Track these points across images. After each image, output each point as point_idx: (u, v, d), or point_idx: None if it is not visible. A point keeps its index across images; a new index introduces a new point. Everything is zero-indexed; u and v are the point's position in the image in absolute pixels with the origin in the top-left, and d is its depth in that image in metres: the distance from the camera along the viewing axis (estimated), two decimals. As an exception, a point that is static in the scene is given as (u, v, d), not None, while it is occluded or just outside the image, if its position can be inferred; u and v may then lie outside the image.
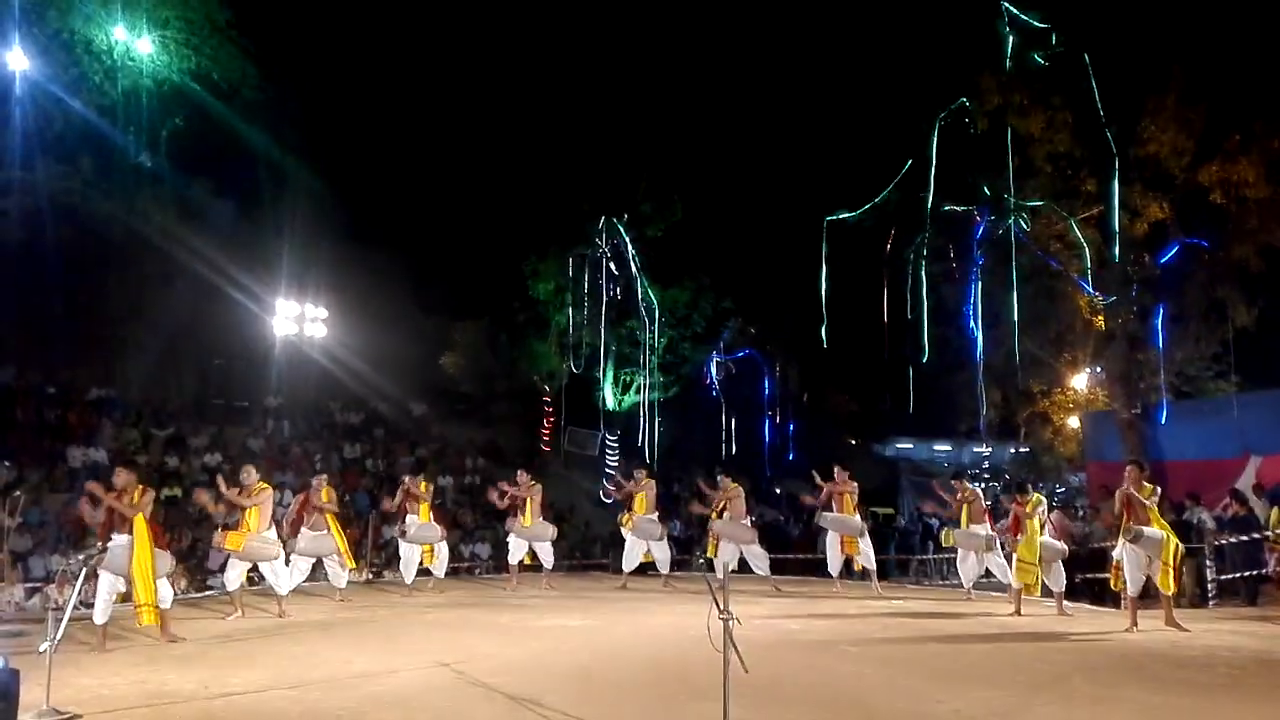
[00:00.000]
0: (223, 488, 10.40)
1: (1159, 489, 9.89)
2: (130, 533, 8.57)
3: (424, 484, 12.72)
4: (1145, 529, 9.37)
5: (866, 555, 12.68)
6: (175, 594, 9.44)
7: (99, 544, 8.60)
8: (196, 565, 15.76)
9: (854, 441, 36.53)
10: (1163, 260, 17.95)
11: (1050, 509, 11.89)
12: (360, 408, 26.47)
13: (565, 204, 27.01)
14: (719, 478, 13.29)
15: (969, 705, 6.09)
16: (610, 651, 8.18)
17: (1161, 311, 18.05)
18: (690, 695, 6.25)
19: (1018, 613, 10.57)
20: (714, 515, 12.95)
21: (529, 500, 13.04)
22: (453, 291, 29.37)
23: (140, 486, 8.86)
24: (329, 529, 11.40)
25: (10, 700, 4.85)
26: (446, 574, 13.16)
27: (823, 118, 27.87)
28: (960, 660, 7.90)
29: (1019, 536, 10.69)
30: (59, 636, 6.22)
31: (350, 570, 11.71)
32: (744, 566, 13.06)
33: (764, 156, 29.37)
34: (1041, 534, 10.59)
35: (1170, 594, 9.42)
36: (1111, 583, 10.21)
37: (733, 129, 29.57)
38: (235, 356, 25.82)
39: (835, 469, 12.92)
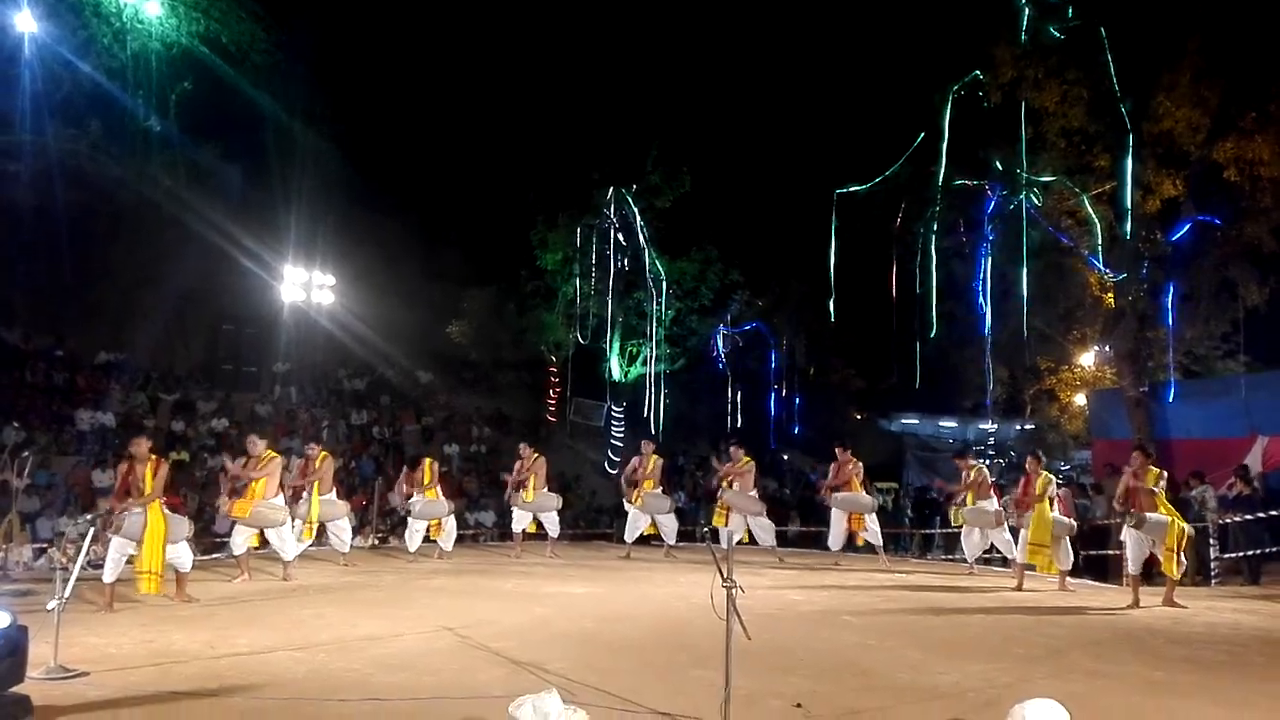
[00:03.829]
0: (228, 465, 10.50)
1: (1165, 473, 9.89)
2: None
3: (429, 468, 12.72)
4: (1149, 515, 9.38)
5: (873, 531, 12.72)
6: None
7: (107, 508, 8.70)
8: (203, 529, 15.86)
9: (859, 416, 36.52)
10: (1174, 238, 17.79)
11: (1058, 486, 11.86)
12: (367, 374, 26.55)
13: (574, 173, 26.90)
14: (732, 449, 13.34)
15: (968, 677, 6.12)
16: (613, 619, 8.23)
17: (1172, 289, 17.94)
18: (692, 662, 6.30)
19: (1020, 588, 10.60)
20: (725, 485, 13.02)
21: (532, 475, 13.11)
22: (460, 260, 29.35)
23: (155, 458, 8.92)
24: (333, 494, 11.50)
25: (19, 655, 4.89)
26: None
27: (834, 89, 27.65)
28: (961, 633, 7.94)
29: (1027, 513, 10.67)
30: (67, 595, 6.28)
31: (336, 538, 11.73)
32: (747, 539, 13.14)
33: (774, 128, 29.23)
34: (1051, 510, 10.60)
35: (1174, 578, 9.45)
36: (1122, 563, 10.25)
37: (744, 100, 29.39)
38: (244, 322, 25.88)
39: (836, 450, 12.98)
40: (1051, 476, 11.00)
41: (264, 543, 10.81)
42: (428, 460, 12.92)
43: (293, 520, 10.76)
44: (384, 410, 25.15)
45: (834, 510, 12.76)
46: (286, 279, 24.87)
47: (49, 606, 6.15)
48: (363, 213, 27.70)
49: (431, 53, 28.77)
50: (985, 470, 12.13)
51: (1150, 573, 10.09)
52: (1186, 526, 9.59)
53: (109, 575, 8.50)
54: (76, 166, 22.22)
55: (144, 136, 24.03)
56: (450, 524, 12.83)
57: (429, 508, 12.49)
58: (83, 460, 17.96)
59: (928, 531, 19.31)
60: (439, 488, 12.73)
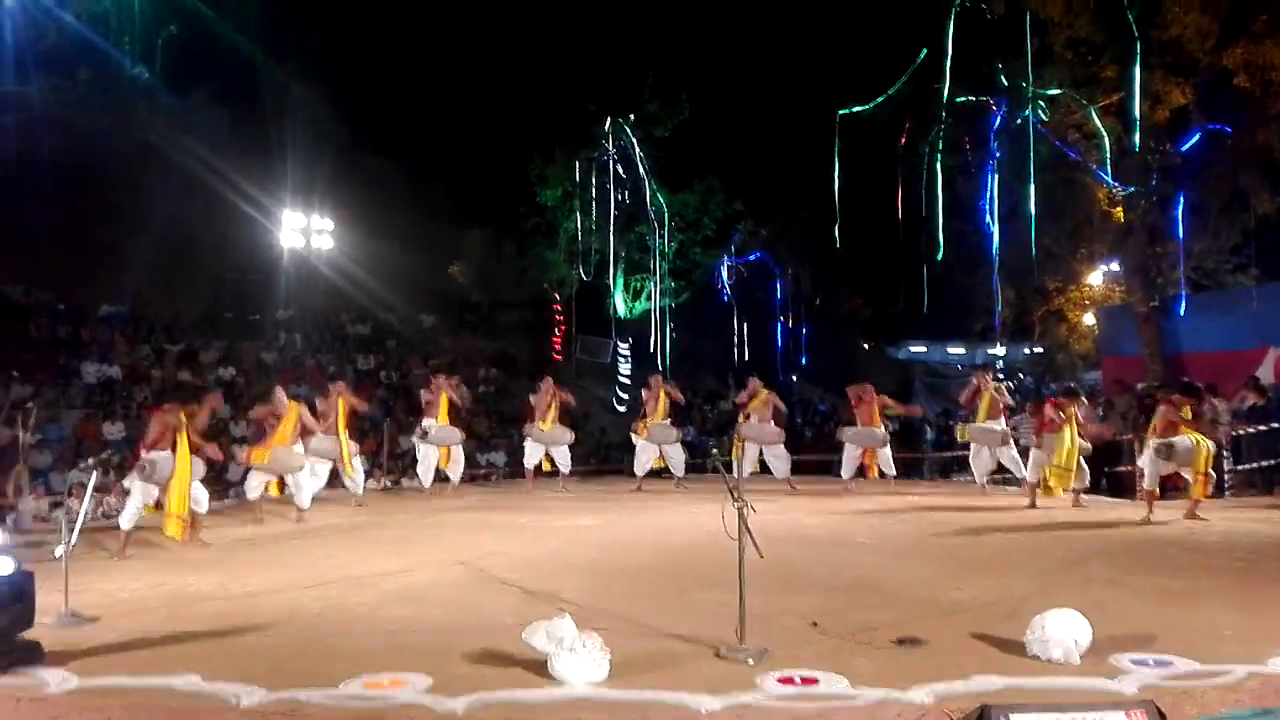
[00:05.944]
0: (258, 411, 10.57)
1: (1196, 403, 9.75)
2: (174, 444, 8.60)
3: (443, 395, 12.69)
4: (1177, 441, 9.28)
5: (886, 461, 12.71)
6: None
7: (106, 454, 8.69)
8: (216, 476, 15.87)
9: (867, 345, 36.44)
10: (1184, 148, 17.43)
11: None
12: (370, 319, 26.45)
13: (570, 106, 26.41)
14: (749, 379, 13.22)
15: (987, 591, 6.09)
16: (624, 548, 8.22)
17: (1182, 201, 17.63)
18: (702, 585, 6.26)
19: (1033, 505, 10.55)
20: (741, 418, 12.95)
21: (551, 405, 13.07)
22: (458, 200, 28.99)
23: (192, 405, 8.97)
24: (338, 434, 11.48)
25: (26, 602, 4.85)
26: (462, 480, 13.24)
27: (833, 5, 26.93)
28: (976, 550, 7.90)
29: (1042, 436, 10.55)
30: (74, 540, 6.25)
31: (350, 479, 11.74)
32: (760, 469, 13.13)
33: (772, 49, 28.52)
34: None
35: (1200, 499, 9.36)
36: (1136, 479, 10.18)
37: (740, 21, 28.64)
38: (244, 269, 25.72)
39: (849, 390, 12.97)
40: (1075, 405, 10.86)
41: (282, 488, 10.80)
42: (443, 393, 12.85)
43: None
44: (390, 354, 25.09)
45: (847, 445, 12.73)
46: (285, 225, 24.62)
47: (56, 553, 6.11)
48: (356, 155, 27.34)
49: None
50: (1005, 392, 12.00)
51: (1165, 487, 10.03)
52: (1210, 445, 9.46)
53: (127, 522, 8.45)
54: (65, 117, 21.89)
55: (132, 84, 23.61)
56: (458, 453, 12.83)
57: (442, 432, 12.50)
58: (91, 412, 17.98)
59: (945, 454, 19.23)
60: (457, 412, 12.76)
